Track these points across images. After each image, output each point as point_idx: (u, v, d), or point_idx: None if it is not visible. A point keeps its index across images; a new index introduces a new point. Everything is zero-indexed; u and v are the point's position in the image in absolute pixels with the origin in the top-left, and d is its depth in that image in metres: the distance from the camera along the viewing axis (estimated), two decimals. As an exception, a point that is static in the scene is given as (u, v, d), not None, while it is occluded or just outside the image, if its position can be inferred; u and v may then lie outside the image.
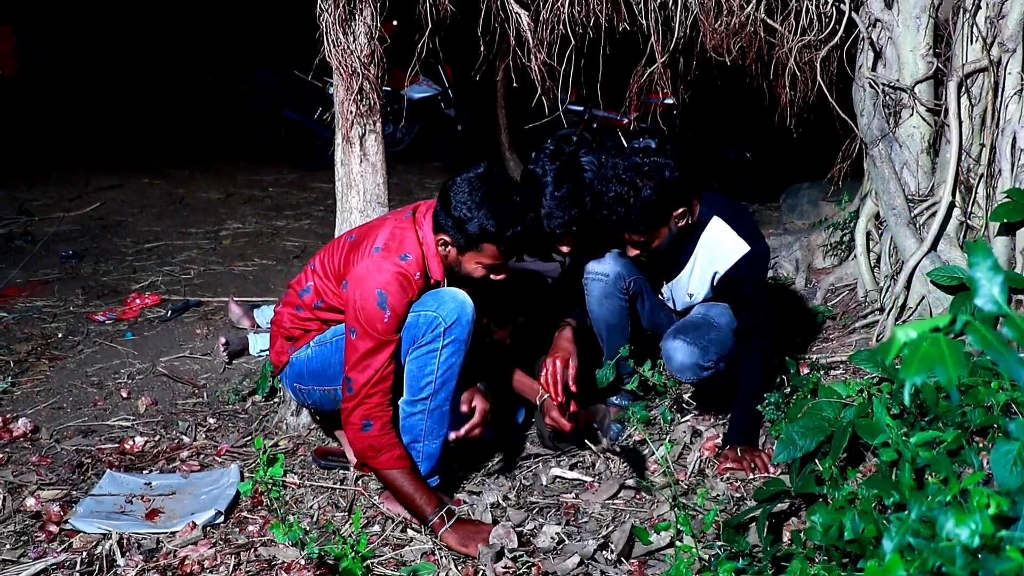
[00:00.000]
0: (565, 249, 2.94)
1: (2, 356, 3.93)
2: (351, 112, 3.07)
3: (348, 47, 2.97)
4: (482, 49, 3.14)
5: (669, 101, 7.04)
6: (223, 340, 3.93)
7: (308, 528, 2.60)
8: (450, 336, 2.56)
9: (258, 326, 4.29)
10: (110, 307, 4.60)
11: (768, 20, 3.42)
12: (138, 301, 4.63)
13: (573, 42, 3.02)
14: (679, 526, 2.33)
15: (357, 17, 3.02)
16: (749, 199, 6.37)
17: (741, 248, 2.80)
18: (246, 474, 2.96)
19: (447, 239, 2.57)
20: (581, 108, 7.31)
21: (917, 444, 1.99)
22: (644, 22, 3.31)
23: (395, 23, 6.34)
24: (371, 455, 2.57)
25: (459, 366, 2.61)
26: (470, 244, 2.55)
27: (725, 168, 6.87)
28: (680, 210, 2.77)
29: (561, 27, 3.00)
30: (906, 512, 1.28)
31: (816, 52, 3.38)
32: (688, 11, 3.44)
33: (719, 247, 2.83)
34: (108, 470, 2.99)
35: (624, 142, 7.16)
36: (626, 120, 7.03)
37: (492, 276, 2.64)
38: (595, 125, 7.31)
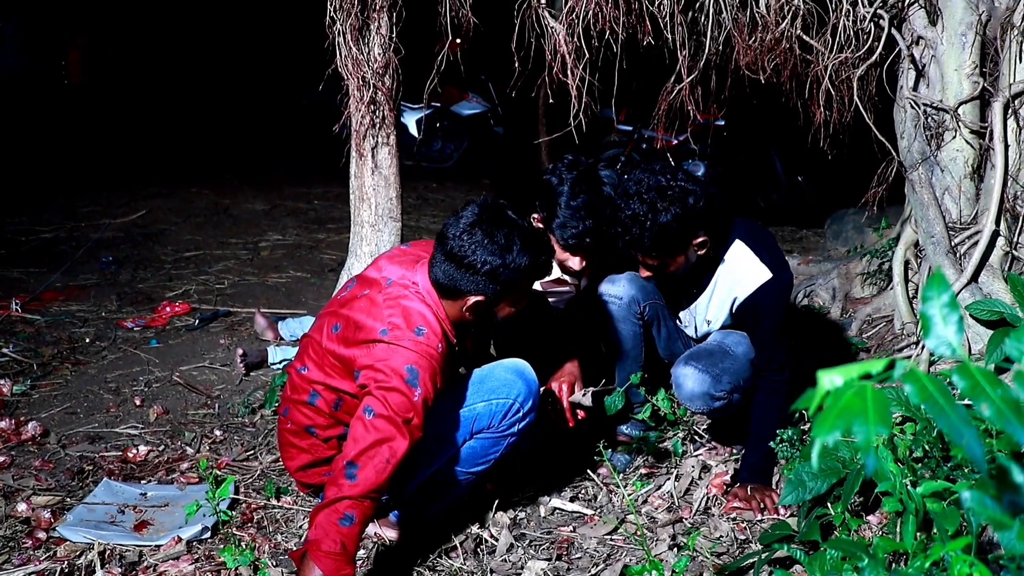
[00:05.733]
0: (578, 264, 2.78)
1: (27, 359, 3.97)
2: (363, 124, 3.01)
3: (360, 57, 2.91)
4: (516, 65, 3.05)
5: (721, 123, 6.93)
6: (240, 351, 3.90)
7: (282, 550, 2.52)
8: (525, 419, 2.44)
9: (281, 338, 4.26)
10: (141, 314, 4.63)
11: (804, 36, 3.27)
12: (168, 309, 4.64)
13: (587, 55, 2.91)
14: (674, 569, 2.19)
15: (371, 27, 2.96)
16: (796, 224, 6.17)
17: (762, 275, 2.64)
18: (241, 489, 2.90)
19: (479, 299, 2.28)
20: (631, 128, 7.20)
21: (924, 495, 1.82)
22: (670, 36, 3.18)
23: (459, 40, 6.38)
24: (327, 547, 2.06)
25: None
26: (507, 290, 2.30)
27: (775, 190, 6.67)
28: (700, 239, 2.62)
29: (576, 40, 2.88)
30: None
31: (854, 70, 3.21)
32: (721, 27, 3.32)
33: (740, 272, 2.68)
34: (105, 478, 2.96)
35: (673, 163, 7.01)
36: (676, 141, 6.91)
37: (519, 310, 2.41)
38: (644, 146, 7.18)
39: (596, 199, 2.70)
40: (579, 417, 2.66)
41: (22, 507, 2.75)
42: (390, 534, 2.58)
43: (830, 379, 0.83)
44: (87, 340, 4.26)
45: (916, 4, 3.18)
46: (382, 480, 2.12)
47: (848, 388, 0.82)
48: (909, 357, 3.17)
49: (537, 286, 2.93)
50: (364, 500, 2.10)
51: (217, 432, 3.34)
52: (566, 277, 2.91)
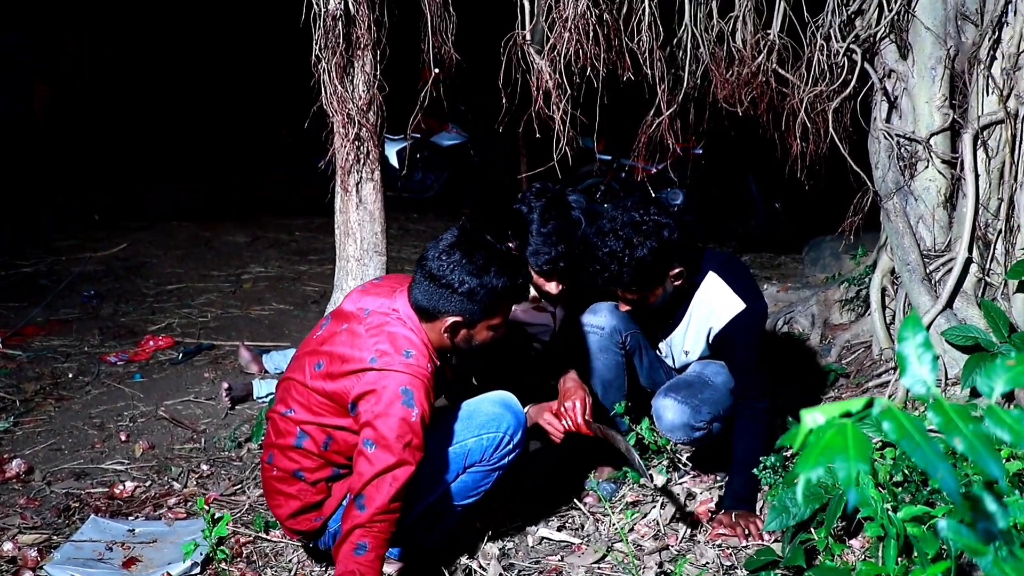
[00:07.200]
0: (555, 289, 2.81)
1: (9, 395, 3.95)
2: (348, 160, 3.05)
3: (345, 95, 2.95)
4: (503, 100, 3.12)
5: (699, 151, 7.03)
6: (226, 385, 3.91)
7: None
8: (515, 451, 2.49)
9: (266, 371, 4.27)
10: (124, 348, 4.62)
11: (780, 70, 3.35)
12: (151, 343, 4.64)
13: (569, 91, 2.97)
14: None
15: (356, 65, 3.01)
16: (774, 250, 6.26)
17: (736, 305, 2.70)
18: (230, 524, 2.89)
19: (457, 319, 2.31)
20: (609, 158, 7.28)
21: (904, 519, 1.86)
22: (650, 71, 3.26)
23: (436, 71, 6.46)
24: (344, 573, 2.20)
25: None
26: (485, 312, 2.33)
27: (752, 217, 6.77)
28: (677, 270, 2.68)
29: (558, 76, 2.95)
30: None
31: (828, 103, 3.30)
32: (699, 61, 3.39)
33: (714, 304, 2.73)
34: (92, 515, 2.95)
35: (652, 192, 7.09)
36: (655, 170, 7.00)
37: (497, 336, 2.44)
38: (623, 175, 7.26)
39: (566, 224, 2.74)
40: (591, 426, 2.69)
41: (8, 546, 2.73)
42: (388, 570, 2.59)
43: (812, 417, 0.88)
44: (70, 375, 4.25)
45: (887, 39, 3.27)
46: (386, 501, 2.17)
47: (830, 427, 0.87)
48: (888, 383, 3.23)
49: (521, 315, 2.98)
50: (373, 525, 2.17)
51: (204, 466, 3.34)
52: (546, 305, 2.95)
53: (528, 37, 3.15)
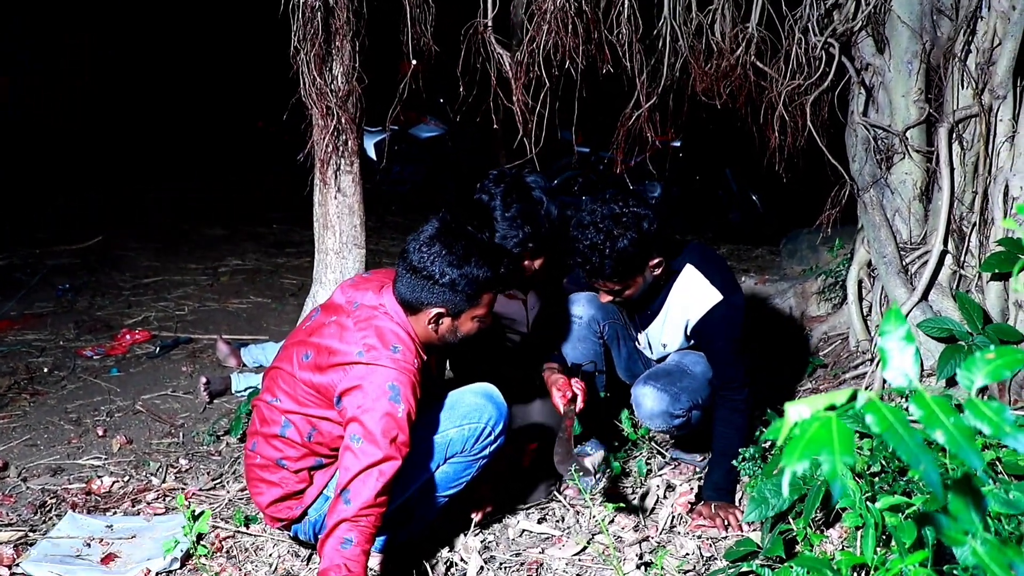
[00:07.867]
0: (528, 269, 2.82)
1: (-17, 390, 3.90)
2: (327, 152, 3.03)
3: (324, 86, 2.93)
4: (461, 90, 3.11)
5: (677, 143, 7.05)
6: (204, 379, 3.88)
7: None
8: (496, 441, 2.49)
9: (244, 365, 4.24)
10: (100, 342, 4.58)
11: (758, 63, 3.37)
12: (128, 337, 4.60)
13: (548, 84, 2.97)
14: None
15: (335, 55, 2.99)
16: (752, 243, 6.29)
17: (713, 297, 2.72)
18: (210, 521, 2.87)
19: (440, 311, 2.31)
20: (587, 150, 7.29)
21: (882, 509, 1.89)
22: (628, 64, 3.26)
23: (415, 62, 6.41)
24: (332, 570, 2.16)
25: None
26: (469, 302, 2.33)
27: (730, 210, 6.80)
28: (656, 260, 2.69)
29: (537, 69, 2.95)
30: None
31: (806, 96, 3.32)
32: (677, 54, 3.40)
33: (691, 296, 2.75)
34: (69, 511, 2.93)
35: (629, 184, 7.10)
36: (633, 163, 7.00)
37: (482, 326, 2.44)
38: (601, 167, 7.27)
39: (528, 205, 2.74)
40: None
41: (-16, 543, 2.71)
42: (371, 562, 2.59)
43: (797, 411, 0.88)
44: (45, 370, 4.21)
45: (864, 32, 3.30)
46: (373, 496, 2.17)
47: (815, 420, 0.87)
48: (864, 374, 3.26)
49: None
50: (359, 519, 2.16)
51: (183, 461, 3.32)
52: (517, 293, 2.93)
53: (490, 25, 3.13)
